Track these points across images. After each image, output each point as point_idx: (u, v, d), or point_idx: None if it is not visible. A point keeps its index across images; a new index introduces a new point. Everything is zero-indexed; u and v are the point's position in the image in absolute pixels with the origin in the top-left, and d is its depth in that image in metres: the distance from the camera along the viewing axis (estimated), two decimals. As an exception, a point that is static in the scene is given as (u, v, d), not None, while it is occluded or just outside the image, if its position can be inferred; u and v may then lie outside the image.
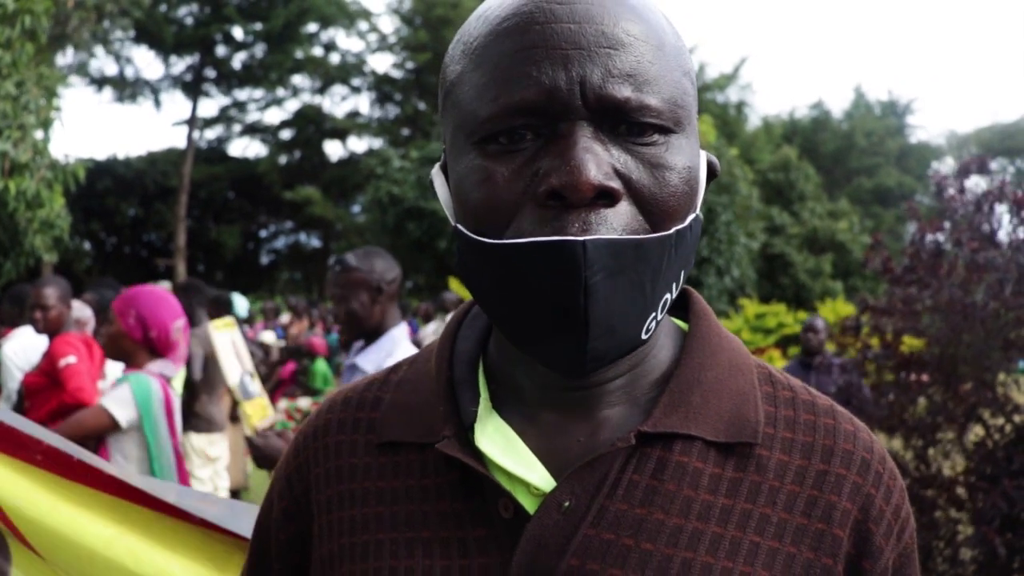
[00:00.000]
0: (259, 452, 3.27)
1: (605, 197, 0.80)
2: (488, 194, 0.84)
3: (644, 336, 0.85)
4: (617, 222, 0.81)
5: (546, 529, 0.87)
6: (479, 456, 0.91)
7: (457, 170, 0.88)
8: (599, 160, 0.80)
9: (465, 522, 0.91)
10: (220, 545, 1.49)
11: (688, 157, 0.86)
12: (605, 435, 0.91)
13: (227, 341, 3.38)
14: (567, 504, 0.87)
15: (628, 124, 0.83)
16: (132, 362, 3.80)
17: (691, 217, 0.87)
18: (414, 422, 0.98)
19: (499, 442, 0.92)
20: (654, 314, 0.85)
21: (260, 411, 3.40)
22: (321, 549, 0.99)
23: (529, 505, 0.88)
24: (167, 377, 3.84)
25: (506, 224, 0.83)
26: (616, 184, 0.81)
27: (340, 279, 3.50)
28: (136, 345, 3.77)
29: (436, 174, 0.97)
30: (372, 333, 3.52)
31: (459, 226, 0.89)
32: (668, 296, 0.87)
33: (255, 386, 3.39)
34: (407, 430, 0.98)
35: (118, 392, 3.70)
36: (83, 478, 1.54)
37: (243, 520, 1.49)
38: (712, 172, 0.95)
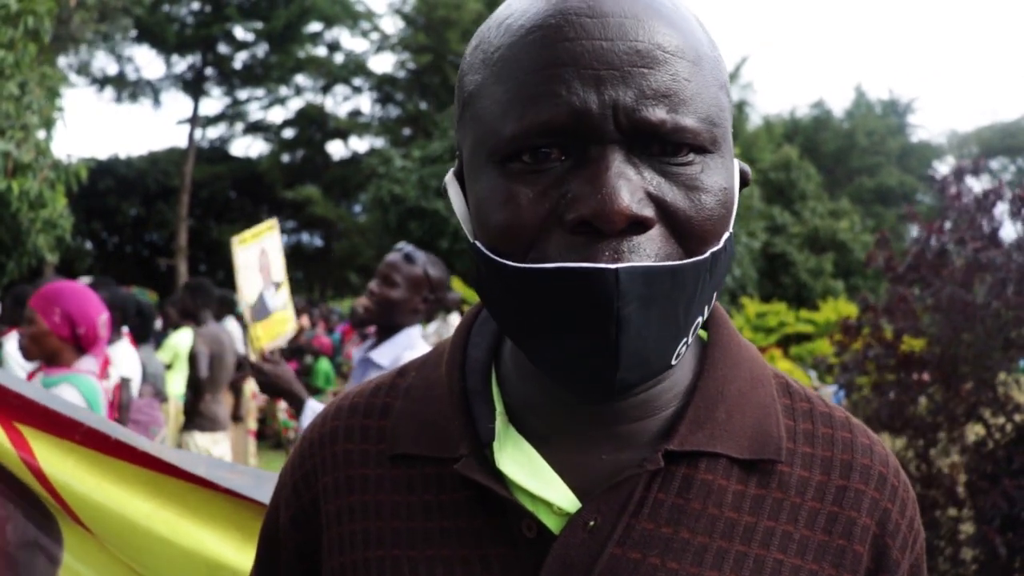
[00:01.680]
0: (265, 378, 3.22)
1: (637, 225, 0.77)
2: (511, 216, 0.80)
3: (673, 362, 0.83)
4: (650, 249, 0.77)
5: (572, 549, 0.85)
6: (499, 476, 0.89)
7: (477, 187, 0.85)
8: (632, 186, 0.77)
9: (486, 540, 0.89)
10: (247, 512, 1.55)
11: (724, 176, 0.83)
12: (629, 451, 0.90)
13: (253, 254, 3.35)
14: (593, 523, 0.86)
15: (662, 145, 0.79)
16: (58, 361, 3.63)
17: (725, 237, 0.84)
18: (428, 435, 0.96)
19: (520, 461, 0.90)
20: (685, 339, 0.83)
21: (275, 328, 3.36)
22: (332, 561, 0.97)
23: (552, 524, 0.87)
24: (94, 373, 3.69)
25: (530, 247, 0.80)
26: (650, 212, 0.78)
27: (400, 267, 3.51)
28: (63, 343, 3.61)
29: (451, 182, 0.94)
30: (391, 328, 3.53)
31: (478, 244, 0.85)
32: (700, 319, 0.84)
33: (278, 299, 3.30)
34: (421, 443, 0.96)
35: (66, 396, 3.50)
36: (121, 454, 1.60)
37: (267, 488, 1.53)
38: (744, 181, 0.92)
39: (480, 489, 0.90)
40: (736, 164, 0.89)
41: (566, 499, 0.88)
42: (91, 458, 1.60)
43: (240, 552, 1.53)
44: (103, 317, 3.73)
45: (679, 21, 0.82)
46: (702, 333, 1.00)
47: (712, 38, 0.88)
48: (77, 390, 3.49)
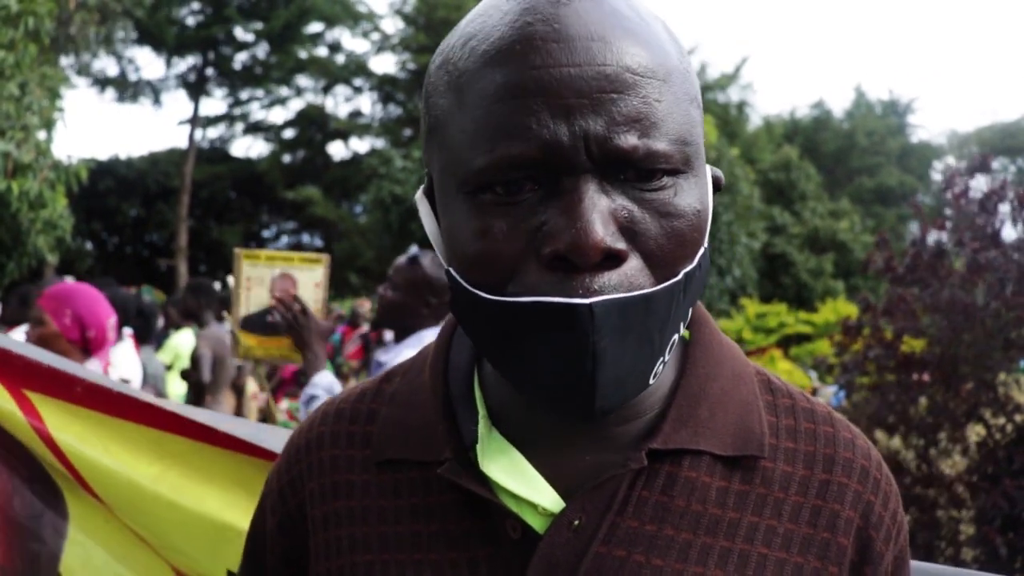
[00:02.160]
0: (304, 324, 3.21)
1: (612, 259, 0.77)
2: (485, 249, 0.79)
3: (651, 381, 0.84)
4: (624, 280, 0.77)
5: (557, 548, 0.86)
6: (483, 478, 0.89)
7: (448, 216, 0.84)
8: (605, 218, 0.76)
9: (472, 542, 0.90)
10: (249, 468, 1.56)
11: (697, 196, 0.82)
12: (612, 451, 0.90)
13: (267, 274, 3.31)
14: (577, 523, 0.86)
15: (635, 171, 0.78)
16: None
17: (700, 254, 0.84)
18: (413, 440, 0.96)
19: (503, 463, 0.90)
20: (662, 358, 0.83)
21: (274, 350, 3.36)
22: (318, 567, 0.97)
23: (537, 525, 0.87)
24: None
25: (506, 280, 0.79)
26: (623, 245, 0.77)
27: (405, 270, 3.53)
28: (71, 346, 3.55)
29: (421, 200, 0.93)
30: (404, 331, 3.53)
31: (452, 271, 0.86)
32: (676, 336, 0.85)
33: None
34: (406, 448, 0.96)
35: None
36: (124, 412, 1.62)
37: (266, 437, 1.56)
38: (717, 185, 0.91)
39: (465, 492, 0.90)
40: (708, 173, 0.88)
41: (550, 499, 0.88)
42: (97, 421, 1.62)
43: (244, 512, 1.52)
44: (112, 320, 3.69)
45: (647, 36, 0.80)
46: (684, 332, 0.99)
47: (681, 47, 0.86)
48: None
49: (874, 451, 0.97)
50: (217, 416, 1.63)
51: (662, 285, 0.79)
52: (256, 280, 3.32)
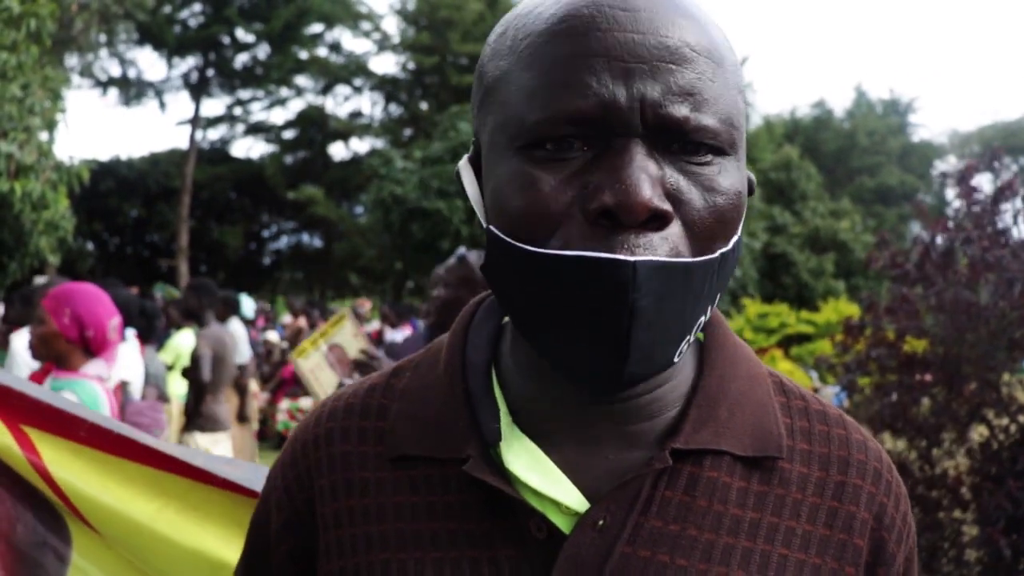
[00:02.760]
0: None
1: (656, 219, 0.78)
2: (532, 202, 0.80)
3: (676, 359, 0.84)
4: (665, 245, 0.78)
5: (583, 548, 0.86)
6: (507, 476, 0.89)
7: (497, 172, 0.85)
8: (653, 180, 0.78)
9: (495, 541, 0.89)
10: (246, 508, 1.54)
11: (738, 180, 0.84)
12: (634, 451, 0.91)
13: (317, 359, 3.65)
14: (602, 522, 0.86)
15: (683, 143, 0.80)
16: (66, 364, 3.56)
17: (734, 239, 0.85)
18: (430, 436, 0.95)
19: (528, 461, 0.90)
20: (688, 337, 0.84)
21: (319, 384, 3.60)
22: (330, 565, 0.95)
23: (561, 524, 0.88)
24: (103, 380, 3.63)
25: (550, 234, 0.80)
26: (668, 207, 0.79)
27: (456, 269, 3.68)
28: (71, 346, 3.54)
29: (464, 167, 0.94)
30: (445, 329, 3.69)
31: (493, 228, 0.86)
32: (703, 318, 0.85)
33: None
34: (423, 444, 0.95)
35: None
36: (125, 452, 1.62)
37: (263, 478, 1.57)
38: (750, 190, 0.93)
39: (485, 489, 0.89)
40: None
41: (575, 499, 0.88)
42: (96, 459, 1.62)
43: (239, 548, 1.56)
44: (114, 321, 3.67)
45: (705, 23, 0.83)
46: (699, 334, 0.99)
47: (731, 43, 0.89)
48: (77, 397, 3.41)
49: (884, 454, 0.99)
50: (215, 460, 1.63)
51: (702, 258, 0.80)
52: (317, 368, 3.66)
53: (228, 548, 1.54)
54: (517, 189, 0.82)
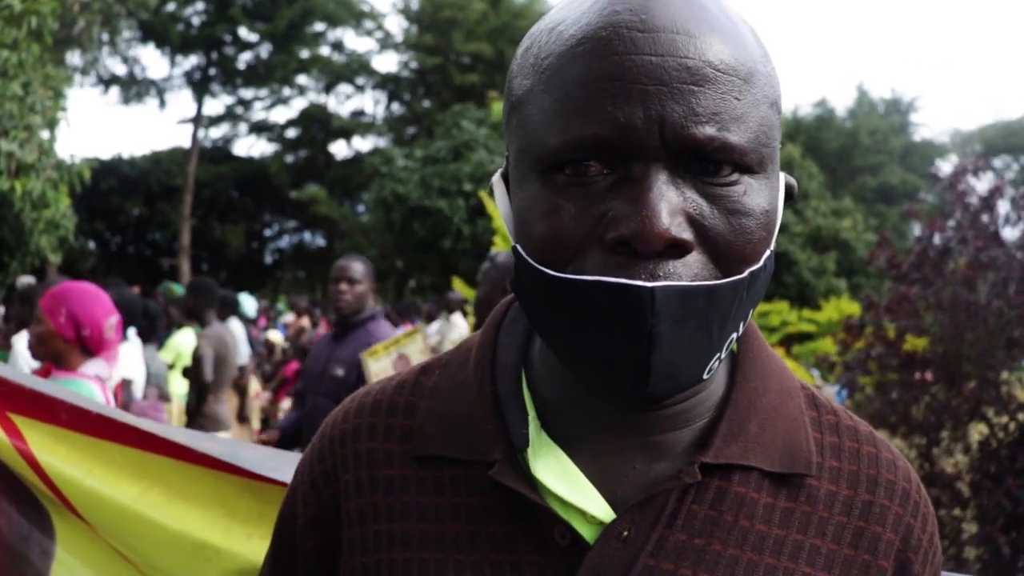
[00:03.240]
0: None
1: (675, 248, 0.77)
2: (552, 228, 0.80)
3: (705, 376, 0.83)
4: (686, 273, 0.77)
5: (606, 558, 0.85)
6: (533, 482, 0.89)
7: (520, 195, 0.85)
8: (673, 208, 0.76)
9: (518, 546, 0.89)
10: (228, 487, 1.58)
11: (767, 198, 0.82)
12: (662, 462, 0.90)
13: (386, 364, 3.84)
14: (627, 533, 0.86)
15: (707, 164, 0.78)
16: (64, 364, 3.54)
17: (766, 256, 0.83)
18: (457, 437, 0.95)
19: (554, 467, 0.89)
20: (718, 354, 0.83)
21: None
22: (353, 560, 0.96)
23: (585, 532, 0.87)
24: (103, 379, 3.60)
25: (570, 260, 0.79)
26: (688, 235, 0.77)
27: (486, 269, 3.91)
28: (68, 345, 3.52)
29: (497, 183, 0.93)
30: None
31: (519, 247, 0.86)
32: (734, 335, 0.84)
33: None
34: (450, 445, 0.95)
35: None
36: (107, 433, 1.64)
37: (243, 453, 1.59)
38: (789, 194, 0.91)
39: (510, 494, 0.89)
40: (782, 179, 0.88)
41: (601, 508, 0.87)
42: (80, 443, 1.64)
43: (223, 531, 1.57)
44: (111, 320, 3.65)
45: (733, 36, 0.81)
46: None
47: (767, 51, 0.86)
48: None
49: (913, 473, 0.97)
50: (195, 436, 1.64)
51: (726, 280, 0.79)
52: (383, 371, 3.87)
53: (210, 530, 1.56)
54: (538, 216, 0.81)
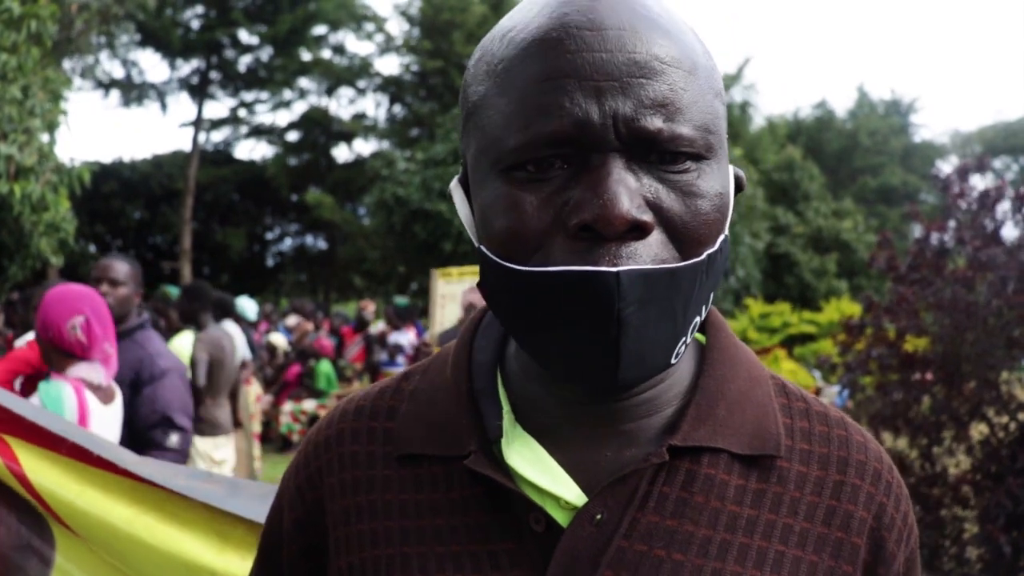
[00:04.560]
0: None
1: (636, 230, 0.80)
2: (515, 222, 0.83)
3: (673, 360, 0.86)
4: (647, 254, 0.80)
5: (580, 542, 0.88)
6: (507, 471, 0.92)
7: (482, 195, 0.88)
8: (631, 193, 0.80)
9: (494, 536, 0.91)
10: (223, 518, 1.59)
11: (719, 182, 0.86)
12: (633, 448, 0.93)
13: (456, 289, 3.63)
14: (600, 517, 0.88)
15: (660, 153, 0.82)
16: (54, 367, 3.52)
17: (721, 239, 0.87)
18: (435, 434, 0.98)
19: (528, 456, 0.92)
20: (684, 339, 0.86)
21: None
22: (339, 561, 0.98)
23: (560, 518, 0.90)
24: (88, 381, 3.50)
25: (533, 252, 0.83)
26: (648, 217, 0.81)
27: None
28: (48, 348, 3.51)
29: (455, 188, 0.97)
30: None
31: (483, 248, 0.89)
32: (698, 319, 0.87)
33: None
34: (429, 443, 0.98)
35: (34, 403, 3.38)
36: (103, 467, 1.65)
37: (241, 497, 1.60)
38: (739, 186, 0.95)
39: (487, 485, 0.92)
40: (731, 170, 0.92)
41: (574, 493, 0.90)
42: (75, 468, 1.65)
43: (218, 554, 1.58)
44: (73, 320, 3.53)
45: (675, 32, 0.85)
46: (700, 337, 1.03)
47: (707, 48, 0.91)
48: (38, 398, 3.35)
49: (885, 455, 1.00)
50: (194, 475, 1.66)
51: (687, 262, 0.82)
52: (450, 297, 3.66)
53: (207, 552, 1.57)
54: (500, 211, 0.84)
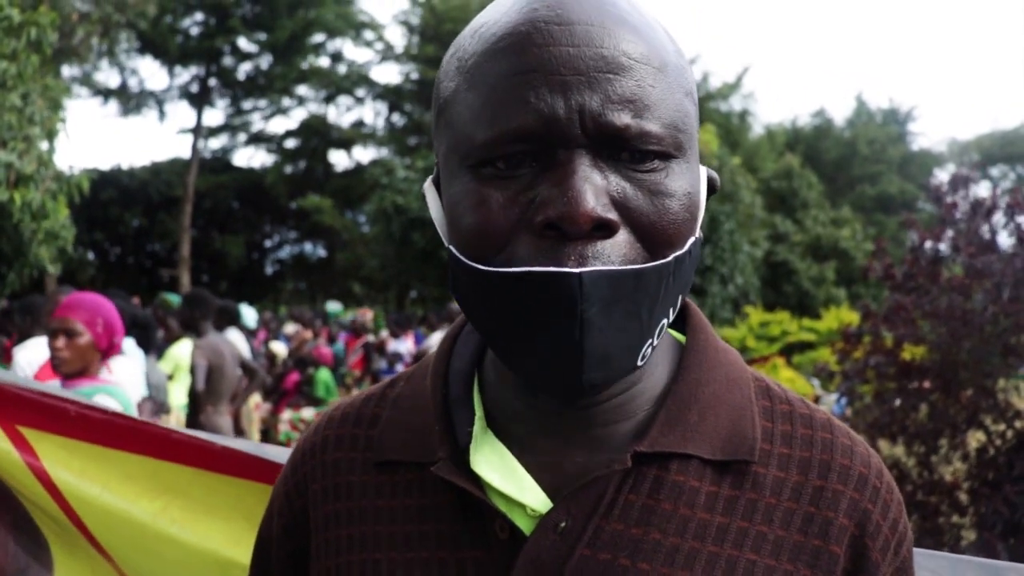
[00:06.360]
0: None
1: (602, 229, 0.78)
2: (482, 219, 0.82)
3: (639, 363, 0.84)
4: (614, 253, 0.79)
5: (542, 550, 0.86)
6: (475, 478, 0.90)
7: (450, 192, 0.87)
8: (597, 190, 0.78)
9: (462, 543, 0.90)
10: (250, 497, 1.54)
11: (688, 181, 0.84)
12: (602, 455, 0.90)
13: None
14: (563, 525, 0.87)
15: (628, 151, 0.80)
16: (89, 373, 3.51)
17: (691, 241, 0.85)
18: (412, 441, 0.97)
19: (495, 464, 0.91)
20: (650, 341, 0.84)
21: None
22: (318, 565, 0.99)
23: (526, 527, 0.88)
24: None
25: (499, 250, 0.81)
26: (614, 216, 0.79)
27: None
28: (98, 354, 3.53)
29: (428, 188, 0.95)
30: None
31: (452, 248, 0.87)
32: (665, 321, 0.85)
33: None
34: (405, 449, 0.97)
35: (114, 406, 3.39)
36: (120, 442, 1.58)
37: (268, 451, 1.54)
38: (712, 188, 0.93)
39: (459, 493, 0.91)
40: (704, 171, 0.91)
41: (538, 500, 0.88)
42: (95, 455, 1.58)
43: (248, 546, 1.52)
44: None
45: (645, 30, 0.84)
46: (680, 337, 1.01)
47: (679, 47, 0.89)
48: (118, 403, 3.35)
49: (875, 459, 0.96)
50: (217, 438, 1.60)
51: (652, 264, 0.81)
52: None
53: (235, 546, 1.53)
54: (468, 208, 0.83)
